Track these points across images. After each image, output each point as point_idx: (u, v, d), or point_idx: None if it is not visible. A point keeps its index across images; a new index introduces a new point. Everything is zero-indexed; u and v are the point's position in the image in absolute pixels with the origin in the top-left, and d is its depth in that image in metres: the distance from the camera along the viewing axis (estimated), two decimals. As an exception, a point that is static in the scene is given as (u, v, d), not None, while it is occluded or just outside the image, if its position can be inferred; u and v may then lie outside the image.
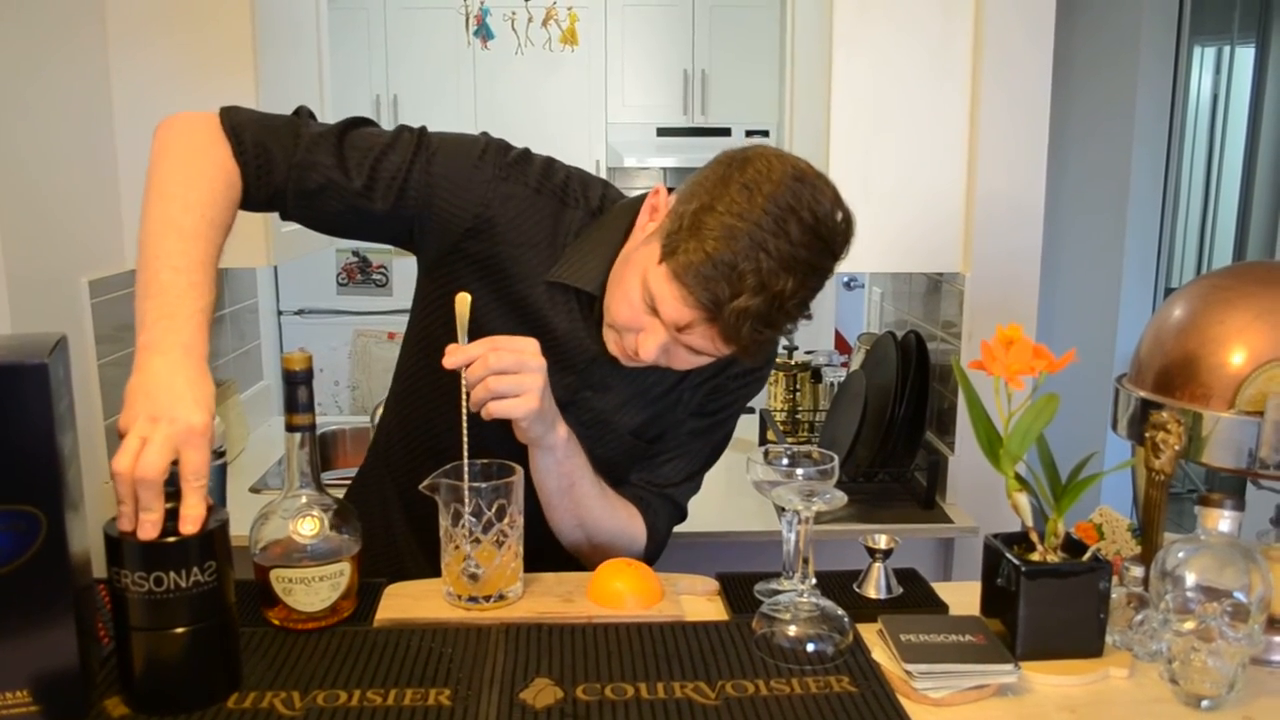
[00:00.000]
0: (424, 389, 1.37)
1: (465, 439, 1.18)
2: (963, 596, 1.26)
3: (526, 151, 1.29)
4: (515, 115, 4.29)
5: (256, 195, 1.22)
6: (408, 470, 1.41)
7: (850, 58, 1.98)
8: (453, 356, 1.15)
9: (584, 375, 1.29)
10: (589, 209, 1.28)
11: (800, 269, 1.07)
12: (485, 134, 1.31)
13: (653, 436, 1.38)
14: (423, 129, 1.28)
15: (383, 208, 1.23)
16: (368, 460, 1.53)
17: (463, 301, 1.19)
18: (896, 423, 2.08)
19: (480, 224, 1.24)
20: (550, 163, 1.30)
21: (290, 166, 1.22)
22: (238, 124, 1.22)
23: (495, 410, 1.16)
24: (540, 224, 1.25)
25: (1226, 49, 4.40)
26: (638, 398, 1.33)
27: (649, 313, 1.14)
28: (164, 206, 1.12)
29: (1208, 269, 4.59)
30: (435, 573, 1.30)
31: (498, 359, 1.14)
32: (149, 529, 0.96)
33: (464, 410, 1.18)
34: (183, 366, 1.02)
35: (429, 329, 1.33)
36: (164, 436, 0.97)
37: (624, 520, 1.36)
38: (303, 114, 1.29)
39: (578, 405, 1.30)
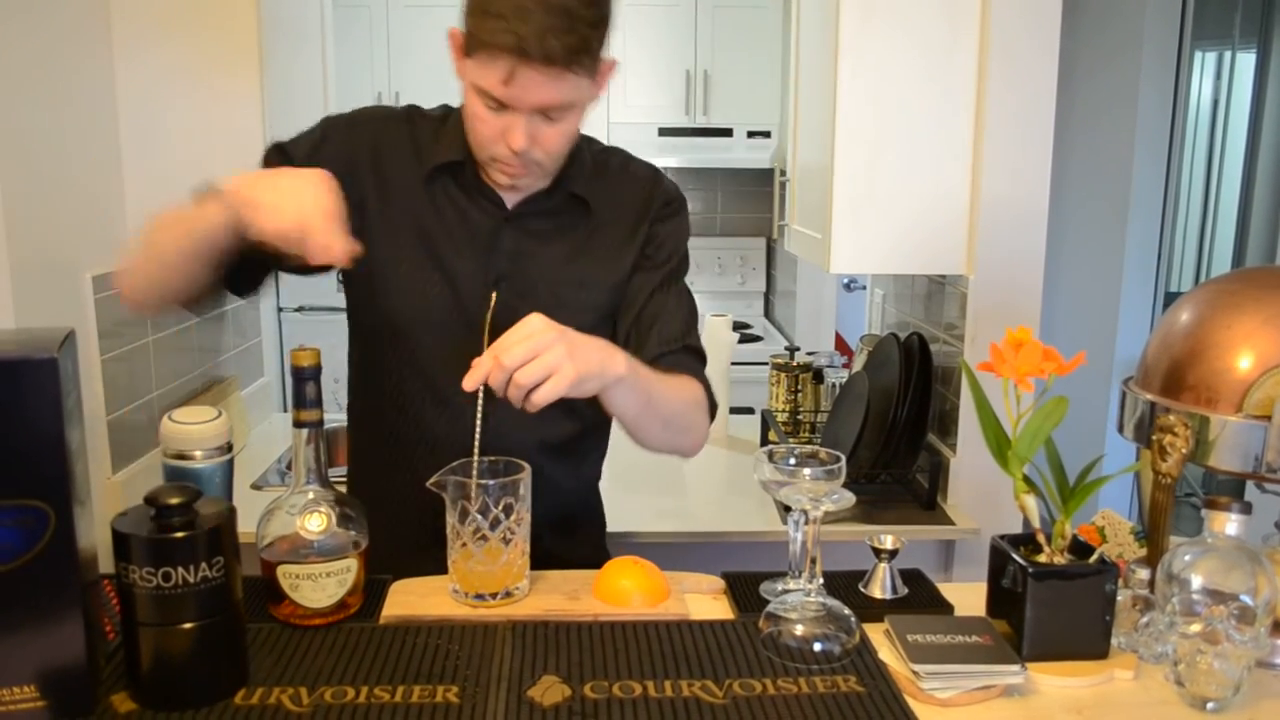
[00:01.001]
0: (370, 370, 1.44)
1: (478, 442, 1.19)
2: (965, 597, 1.26)
3: (368, 106, 1.46)
4: (517, 114, 4.29)
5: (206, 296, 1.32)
6: (374, 466, 1.46)
7: (855, 60, 1.98)
8: (471, 377, 1.14)
9: (498, 248, 1.37)
10: (436, 117, 1.42)
11: None
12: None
13: (610, 310, 1.42)
14: (271, 145, 1.38)
15: None
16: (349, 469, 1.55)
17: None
18: (899, 424, 2.08)
19: (353, 166, 1.34)
20: (393, 106, 1.46)
21: None
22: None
23: (540, 399, 1.13)
24: (398, 142, 1.38)
25: (1227, 54, 4.41)
26: (567, 257, 1.39)
27: (497, 112, 1.24)
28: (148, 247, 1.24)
29: (1207, 273, 4.59)
30: (417, 570, 1.30)
31: (510, 358, 1.12)
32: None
33: (479, 415, 1.19)
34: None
35: (353, 303, 1.43)
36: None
37: (687, 390, 1.39)
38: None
39: (512, 279, 1.36)
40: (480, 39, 1.19)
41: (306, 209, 1.10)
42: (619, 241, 1.43)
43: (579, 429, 1.46)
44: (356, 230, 1.27)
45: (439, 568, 1.26)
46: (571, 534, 1.51)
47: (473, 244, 1.37)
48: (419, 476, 1.21)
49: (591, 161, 1.43)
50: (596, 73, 1.26)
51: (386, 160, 1.37)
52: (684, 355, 1.42)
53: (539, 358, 1.12)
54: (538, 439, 1.40)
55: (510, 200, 1.38)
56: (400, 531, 1.40)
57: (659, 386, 1.31)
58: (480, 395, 1.18)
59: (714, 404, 1.45)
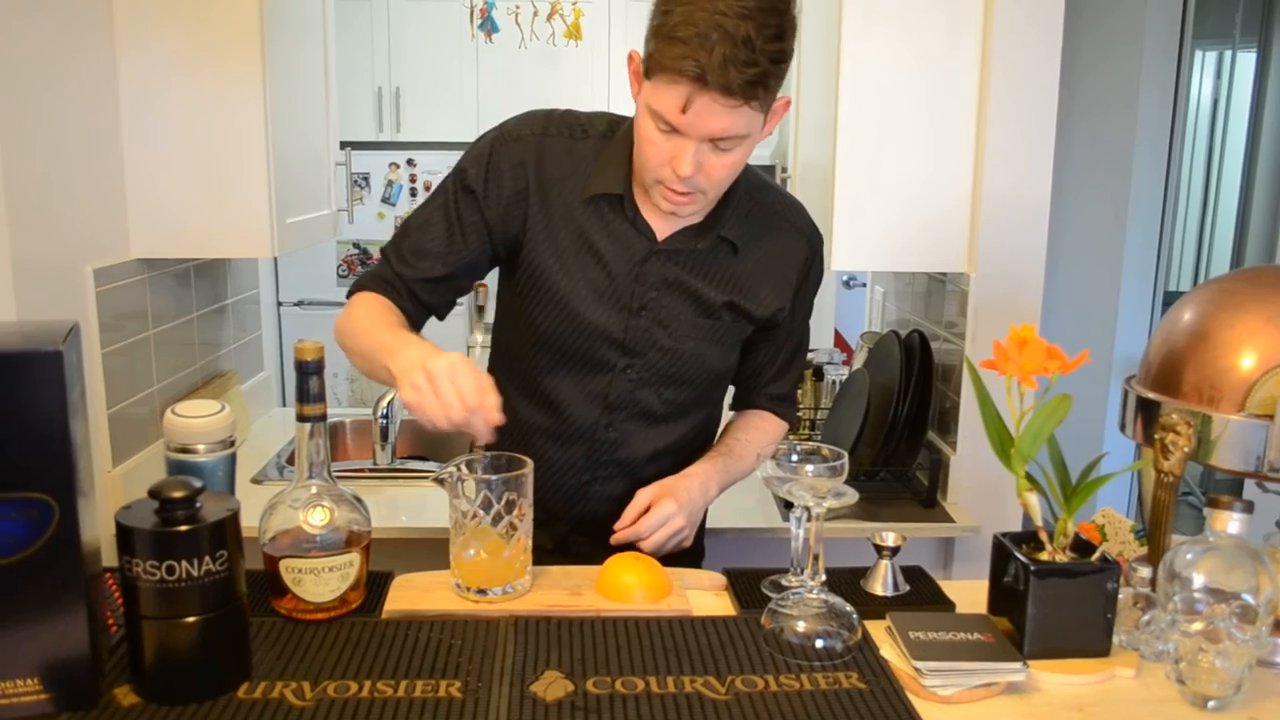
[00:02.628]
0: (513, 362, 1.52)
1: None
2: (965, 595, 1.26)
3: (527, 114, 1.46)
4: (517, 109, 4.27)
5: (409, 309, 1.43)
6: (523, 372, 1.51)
7: (857, 57, 1.98)
8: (621, 536, 1.39)
9: (644, 278, 1.41)
10: (598, 134, 1.42)
11: (756, 13, 1.18)
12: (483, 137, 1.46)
13: (739, 338, 1.50)
14: (454, 178, 1.44)
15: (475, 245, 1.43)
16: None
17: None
18: (899, 422, 2.08)
19: (519, 181, 1.40)
20: (551, 112, 1.45)
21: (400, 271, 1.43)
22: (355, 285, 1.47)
23: (663, 551, 1.39)
24: (559, 158, 1.40)
25: (1228, 53, 4.41)
26: (709, 293, 1.43)
27: (668, 135, 1.26)
28: (358, 343, 1.36)
29: (1206, 272, 4.60)
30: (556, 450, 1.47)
31: (653, 544, 1.38)
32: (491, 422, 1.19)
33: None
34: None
35: (506, 302, 1.51)
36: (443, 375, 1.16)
37: (770, 439, 1.58)
38: (386, 253, 1.48)
39: (652, 308, 1.42)
40: (661, 63, 1.20)
41: (457, 416, 1.16)
42: (765, 286, 1.47)
43: (689, 433, 1.54)
44: (521, 239, 1.41)
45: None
46: None
47: (620, 271, 1.40)
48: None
49: (747, 199, 1.44)
50: (770, 109, 1.27)
51: (548, 177, 1.40)
52: (782, 404, 1.61)
53: (672, 536, 1.40)
54: (654, 448, 1.50)
55: (661, 232, 1.41)
56: None
57: (747, 462, 1.54)
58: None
59: (794, 420, 1.65)
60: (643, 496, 1.40)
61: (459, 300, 1.50)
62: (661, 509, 1.38)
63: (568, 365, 1.44)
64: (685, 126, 1.23)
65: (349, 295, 1.46)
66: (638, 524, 1.38)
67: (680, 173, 1.27)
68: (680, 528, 1.40)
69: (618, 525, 1.39)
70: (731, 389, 1.63)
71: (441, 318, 1.50)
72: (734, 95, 1.19)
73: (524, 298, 1.44)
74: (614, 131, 1.42)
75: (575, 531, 1.52)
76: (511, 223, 1.41)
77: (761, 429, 1.59)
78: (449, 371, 1.16)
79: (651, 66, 1.23)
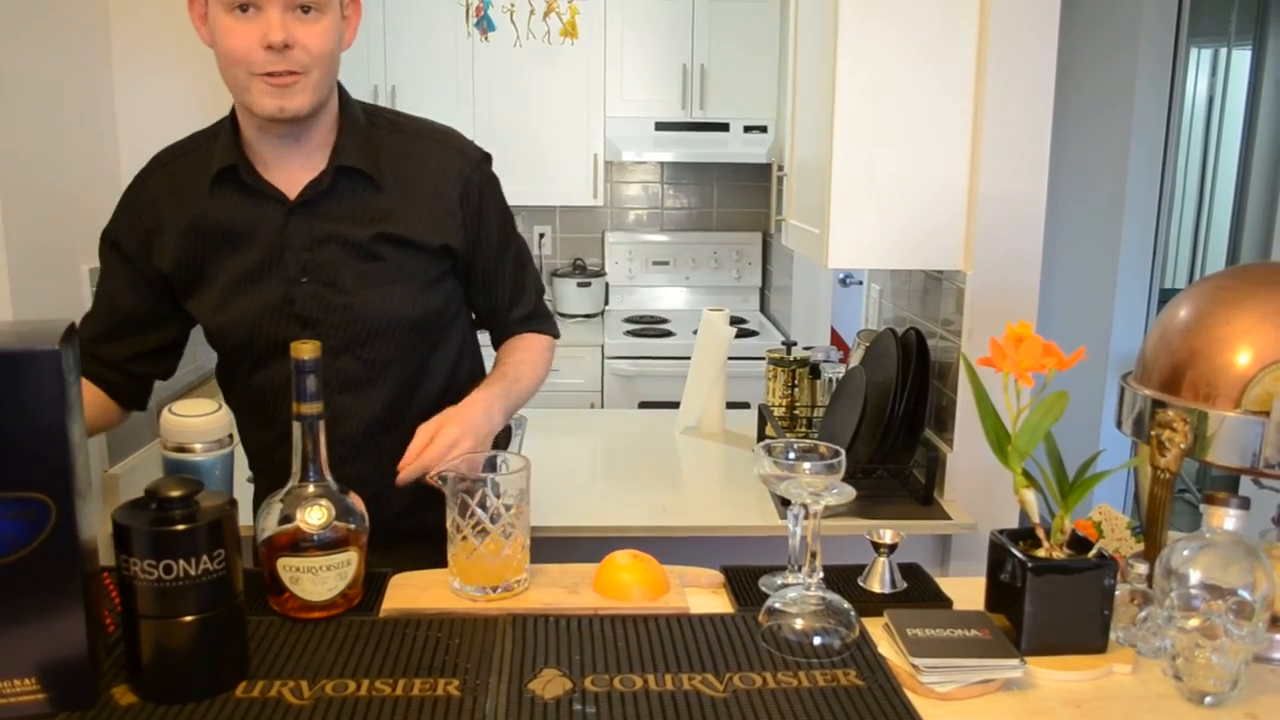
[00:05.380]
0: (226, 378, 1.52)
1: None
2: (963, 591, 1.27)
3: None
4: (513, 107, 4.28)
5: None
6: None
7: (854, 55, 1.98)
8: (407, 473, 1.29)
9: (291, 243, 1.38)
10: (209, 134, 1.44)
11: None
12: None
13: (433, 274, 1.45)
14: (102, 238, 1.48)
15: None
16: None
17: None
18: (896, 419, 2.08)
19: (156, 210, 1.41)
20: (179, 142, 1.47)
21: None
22: None
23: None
24: (185, 169, 1.41)
25: (1223, 51, 4.42)
26: (365, 234, 1.39)
27: (248, 16, 1.27)
28: None
29: (1202, 269, 4.61)
30: None
31: (443, 467, 1.27)
32: None
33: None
34: None
35: (198, 320, 1.48)
36: None
37: (543, 355, 1.59)
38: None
39: (314, 269, 1.39)
40: None
41: None
42: (420, 211, 1.42)
43: (409, 391, 1.48)
44: (165, 265, 1.41)
45: None
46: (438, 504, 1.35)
47: (265, 245, 1.39)
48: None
49: (368, 128, 1.44)
50: None
51: (180, 189, 1.41)
52: (535, 322, 1.60)
53: (447, 449, 1.30)
54: (374, 413, 1.45)
55: (291, 190, 1.39)
56: None
57: (525, 382, 1.51)
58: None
59: (555, 330, 1.64)
60: (423, 432, 1.32)
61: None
62: (444, 435, 1.31)
63: (258, 361, 1.42)
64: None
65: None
66: (424, 456, 1.29)
67: (272, 39, 1.26)
68: (468, 450, 1.32)
69: (401, 464, 1.30)
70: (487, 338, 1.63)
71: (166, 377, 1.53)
72: None
73: (201, 319, 1.44)
74: (219, 125, 1.42)
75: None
76: (159, 256, 1.42)
77: (528, 347, 1.58)
78: None
79: None
